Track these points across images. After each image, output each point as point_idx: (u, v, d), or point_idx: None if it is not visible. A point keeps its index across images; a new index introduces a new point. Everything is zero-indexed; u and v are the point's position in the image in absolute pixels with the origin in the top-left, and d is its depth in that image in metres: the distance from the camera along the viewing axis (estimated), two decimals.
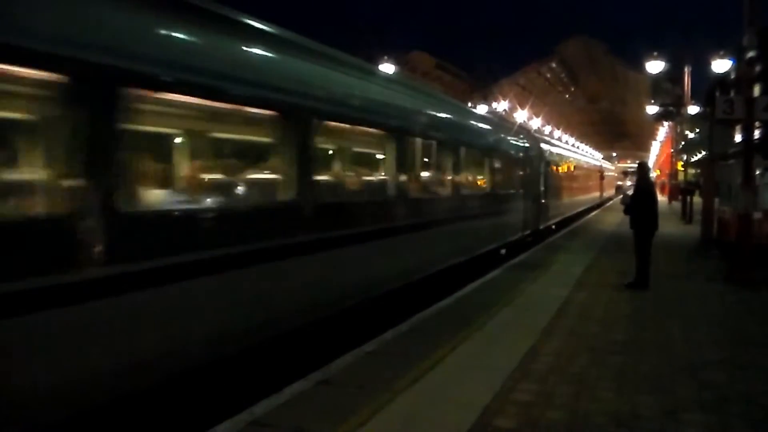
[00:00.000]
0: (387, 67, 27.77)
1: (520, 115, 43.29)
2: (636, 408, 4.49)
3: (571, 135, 68.35)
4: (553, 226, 19.90)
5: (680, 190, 27.68)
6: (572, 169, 26.15)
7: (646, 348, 6.12)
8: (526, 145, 15.96)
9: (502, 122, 17.56)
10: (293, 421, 4.17)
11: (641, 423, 4.24)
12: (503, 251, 13.23)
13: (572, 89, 70.28)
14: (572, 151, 31.49)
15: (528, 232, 15.53)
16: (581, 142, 67.65)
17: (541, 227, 17.28)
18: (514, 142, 14.97)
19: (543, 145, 18.85)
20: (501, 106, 46.39)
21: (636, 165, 10.79)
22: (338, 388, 4.86)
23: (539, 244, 15.52)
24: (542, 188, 17.46)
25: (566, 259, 12.68)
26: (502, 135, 14.44)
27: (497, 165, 13.03)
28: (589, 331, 6.77)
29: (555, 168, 20.85)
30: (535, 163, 16.60)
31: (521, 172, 15.16)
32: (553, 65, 63.30)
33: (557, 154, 22.23)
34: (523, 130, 17.62)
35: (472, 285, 9.49)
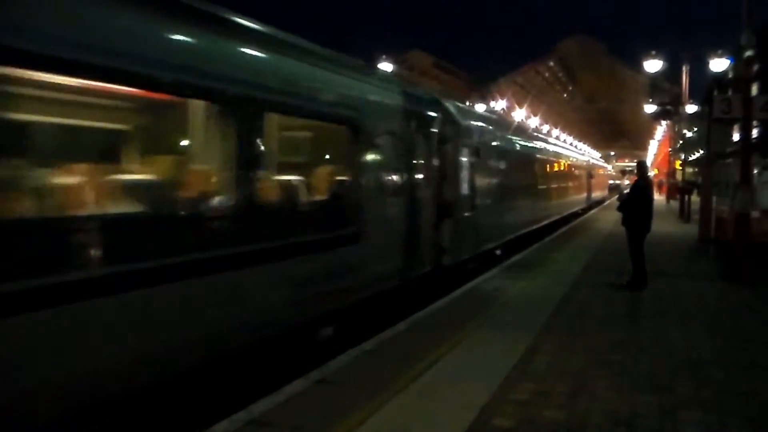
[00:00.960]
0: (384, 66, 27.65)
1: (518, 114, 43.30)
2: (635, 407, 4.49)
3: (569, 134, 68.38)
4: (498, 251, 12.84)
5: (678, 189, 27.71)
6: (537, 163, 18.65)
7: (644, 347, 6.12)
8: (427, 116, 9.06)
9: (360, 68, 8.27)
10: (292, 420, 4.16)
11: (640, 422, 4.24)
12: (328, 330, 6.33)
13: (570, 88, 70.33)
14: (536, 138, 21.21)
15: (426, 269, 8.70)
16: (579, 141, 67.67)
17: (466, 256, 10.46)
18: (391, 108, 7.96)
19: (474, 122, 11.92)
20: (499, 104, 46.38)
21: (634, 164, 10.78)
22: (337, 387, 4.86)
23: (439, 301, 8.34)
24: (467, 192, 10.66)
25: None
26: (357, 94, 7.08)
27: (330, 145, 7.19)
28: (587, 331, 6.78)
29: (502, 161, 13.65)
30: (449, 151, 9.80)
31: (412, 162, 8.34)
32: (552, 64, 63.36)
33: (504, 139, 14.68)
34: (416, 93, 9.24)
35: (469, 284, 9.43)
